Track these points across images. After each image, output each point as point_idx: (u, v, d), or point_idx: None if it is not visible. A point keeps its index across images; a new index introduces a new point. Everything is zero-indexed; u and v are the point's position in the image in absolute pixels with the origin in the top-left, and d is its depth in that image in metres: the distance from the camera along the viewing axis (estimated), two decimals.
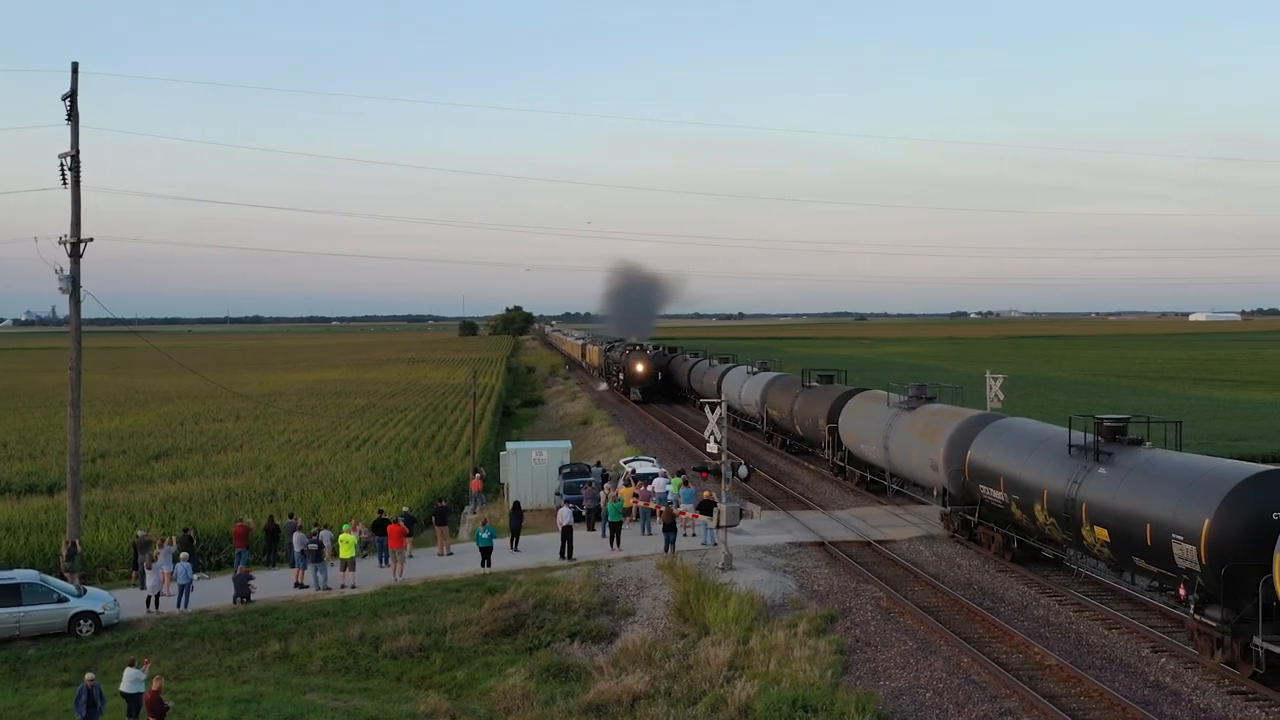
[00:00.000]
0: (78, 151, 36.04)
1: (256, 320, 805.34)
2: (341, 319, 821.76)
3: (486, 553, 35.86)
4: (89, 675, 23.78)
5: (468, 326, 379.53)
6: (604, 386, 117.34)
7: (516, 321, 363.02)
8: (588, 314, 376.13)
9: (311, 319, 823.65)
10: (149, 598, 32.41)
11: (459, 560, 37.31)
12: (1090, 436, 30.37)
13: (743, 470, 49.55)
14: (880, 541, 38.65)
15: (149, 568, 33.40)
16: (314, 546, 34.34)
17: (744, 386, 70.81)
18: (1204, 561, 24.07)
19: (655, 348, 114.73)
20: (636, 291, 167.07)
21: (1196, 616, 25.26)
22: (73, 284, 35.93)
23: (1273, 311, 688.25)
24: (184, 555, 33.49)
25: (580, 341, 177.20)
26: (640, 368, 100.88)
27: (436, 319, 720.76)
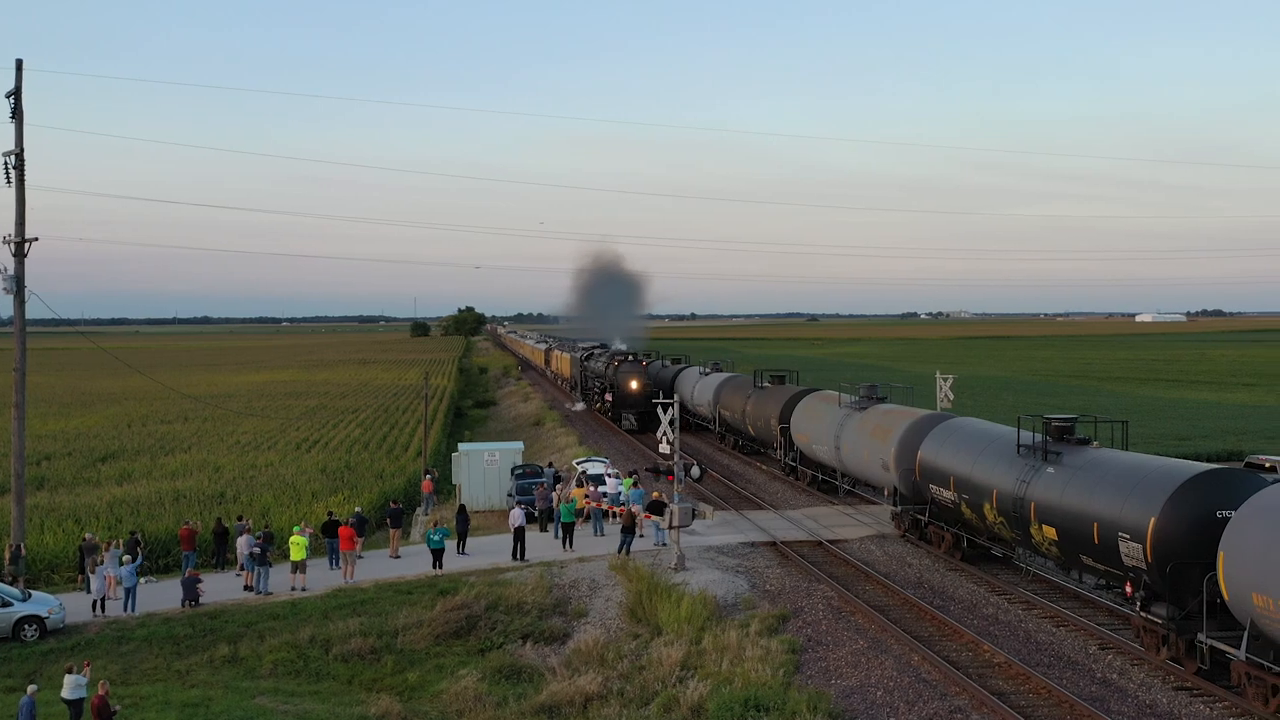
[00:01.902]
0: (22, 150, 35.59)
1: (205, 321, 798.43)
2: (292, 320, 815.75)
3: (438, 554, 35.71)
4: (32, 687, 23.41)
5: (419, 327, 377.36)
6: (580, 406, 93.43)
7: (469, 322, 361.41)
8: (540, 314, 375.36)
9: (261, 319, 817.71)
10: (94, 601, 32.03)
11: (410, 562, 37.14)
12: (1038, 436, 30.70)
13: (695, 471, 49.59)
14: (832, 541, 38.83)
15: (92, 571, 33.03)
16: (256, 549, 34.07)
17: (696, 387, 70.90)
18: (1150, 559, 24.37)
19: (650, 357, 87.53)
20: (617, 288, 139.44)
21: (1142, 614, 25.57)
22: (17, 284, 35.48)
23: (1217, 312, 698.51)
24: (127, 558, 33.11)
25: (543, 346, 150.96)
26: (635, 384, 75.59)
27: (388, 320, 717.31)
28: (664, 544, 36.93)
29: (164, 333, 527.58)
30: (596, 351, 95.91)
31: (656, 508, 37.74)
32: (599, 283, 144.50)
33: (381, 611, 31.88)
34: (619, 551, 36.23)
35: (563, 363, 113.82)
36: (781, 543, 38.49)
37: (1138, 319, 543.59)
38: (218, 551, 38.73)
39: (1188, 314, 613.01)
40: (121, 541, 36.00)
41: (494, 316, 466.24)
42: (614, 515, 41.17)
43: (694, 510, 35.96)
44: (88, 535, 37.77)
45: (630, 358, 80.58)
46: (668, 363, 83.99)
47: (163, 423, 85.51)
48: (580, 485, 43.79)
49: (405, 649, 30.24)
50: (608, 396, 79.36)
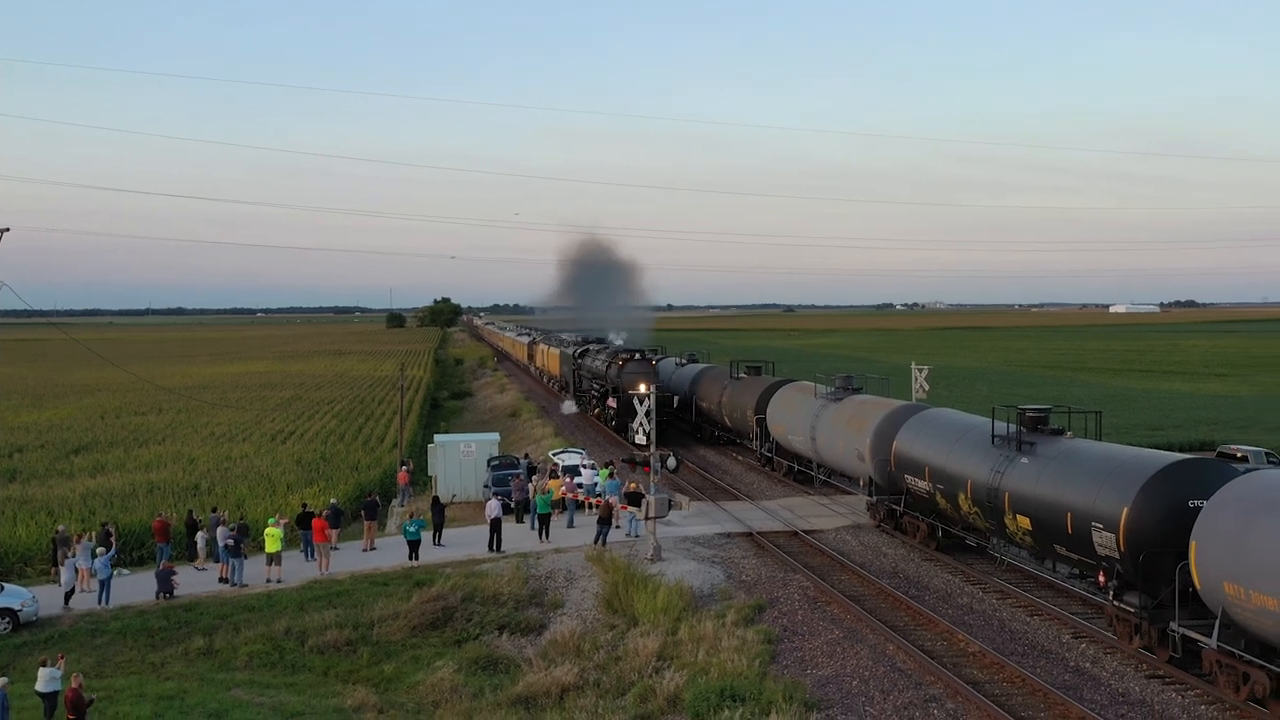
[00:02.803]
0: None
1: (179, 312, 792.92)
2: (266, 310, 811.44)
3: (414, 546, 35.65)
4: (3, 680, 23.26)
5: (395, 318, 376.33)
6: (571, 408, 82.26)
7: (445, 313, 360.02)
8: (516, 305, 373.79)
9: (236, 310, 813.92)
10: (65, 594, 31.82)
11: (387, 553, 37.06)
12: (1013, 427, 30.86)
13: (671, 461, 49.66)
14: (808, 531, 38.95)
15: (61, 564, 32.86)
16: (231, 541, 33.93)
17: (672, 378, 70.87)
18: (1123, 549, 24.54)
19: (662, 354, 76.06)
20: (609, 276, 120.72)
21: (1115, 603, 25.75)
22: None
23: (1190, 303, 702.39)
24: (101, 550, 32.92)
25: (525, 339, 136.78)
26: (644, 388, 54.79)
27: (363, 310, 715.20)
28: (638, 535, 36.96)
29: (138, 324, 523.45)
30: (593, 347, 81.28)
31: (633, 498, 37.79)
32: (589, 270, 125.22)
33: (357, 603, 31.79)
34: (595, 542, 36.26)
35: (550, 359, 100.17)
36: (757, 533, 38.57)
37: (1112, 310, 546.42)
38: (190, 544, 38.58)
39: (1161, 305, 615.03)
40: (94, 534, 35.79)
41: (470, 307, 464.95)
42: (589, 506, 41.16)
43: (670, 501, 36.00)
44: (60, 528, 37.58)
45: (637, 356, 67.04)
46: (658, 359, 73.67)
47: (136, 414, 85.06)
48: (555, 477, 43.73)
49: (381, 641, 30.19)
50: (610, 402, 66.30)
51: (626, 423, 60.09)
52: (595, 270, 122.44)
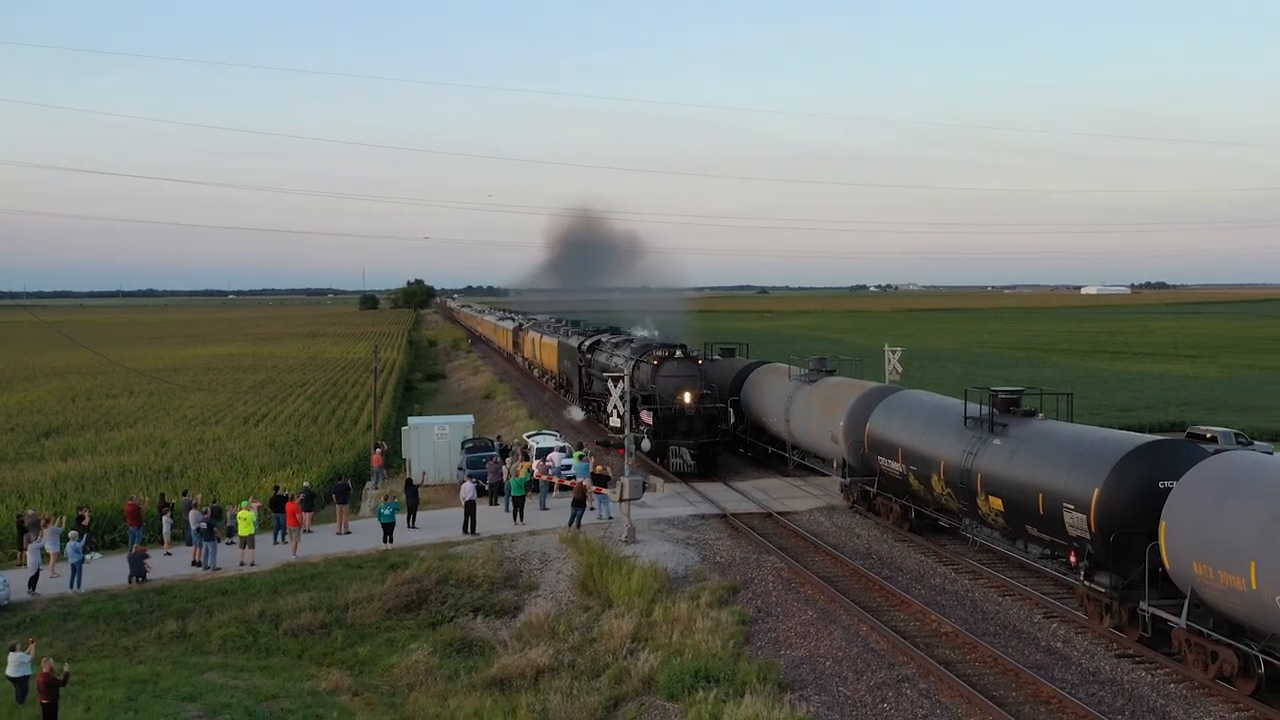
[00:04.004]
0: None
1: (150, 294, 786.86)
2: (238, 292, 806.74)
3: (389, 528, 35.57)
4: None
5: (368, 300, 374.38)
6: (578, 415, 65.65)
7: (418, 295, 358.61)
8: (490, 287, 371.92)
9: (207, 292, 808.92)
10: (30, 578, 31.57)
11: (361, 537, 36.95)
12: (985, 408, 31.01)
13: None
14: (781, 513, 39.06)
15: (26, 547, 32.66)
16: (203, 524, 33.76)
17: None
18: (1094, 529, 24.72)
19: (706, 352, 57.60)
20: (609, 252, 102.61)
21: (1086, 583, 25.95)
22: None
23: (1160, 285, 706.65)
24: (72, 534, 32.71)
25: (509, 324, 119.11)
26: (689, 397, 47.08)
27: (336, 292, 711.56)
28: (611, 517, 36.98)
29: (108, 306, 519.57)
30: (606, 339, 64.03)
31: (599, 481, 37.82)
32: (581, 248, 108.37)
33: (331, 586, 31.71)
34: (570, 525, 36.27)
35: (544, 351, 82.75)
36: (732, 515, 38.65)
37: (1083, 291, 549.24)
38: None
39: (1131, 286, 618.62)
40: (65, 519, 35.54)
41: (444, 289, 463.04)
42: (559, 488, 41.05)
43: (644, 483, 36.02)
44: (29, 511, 37.29)
45: (676, 354, 49.99)
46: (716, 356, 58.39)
47: (108, 397, 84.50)
48: (527, 459, 43.68)
49: (355, 623, 30.13)
50: (645, 417, 47.77)
51: (667, 445, 46.90)
52: (588, 249, 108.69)
